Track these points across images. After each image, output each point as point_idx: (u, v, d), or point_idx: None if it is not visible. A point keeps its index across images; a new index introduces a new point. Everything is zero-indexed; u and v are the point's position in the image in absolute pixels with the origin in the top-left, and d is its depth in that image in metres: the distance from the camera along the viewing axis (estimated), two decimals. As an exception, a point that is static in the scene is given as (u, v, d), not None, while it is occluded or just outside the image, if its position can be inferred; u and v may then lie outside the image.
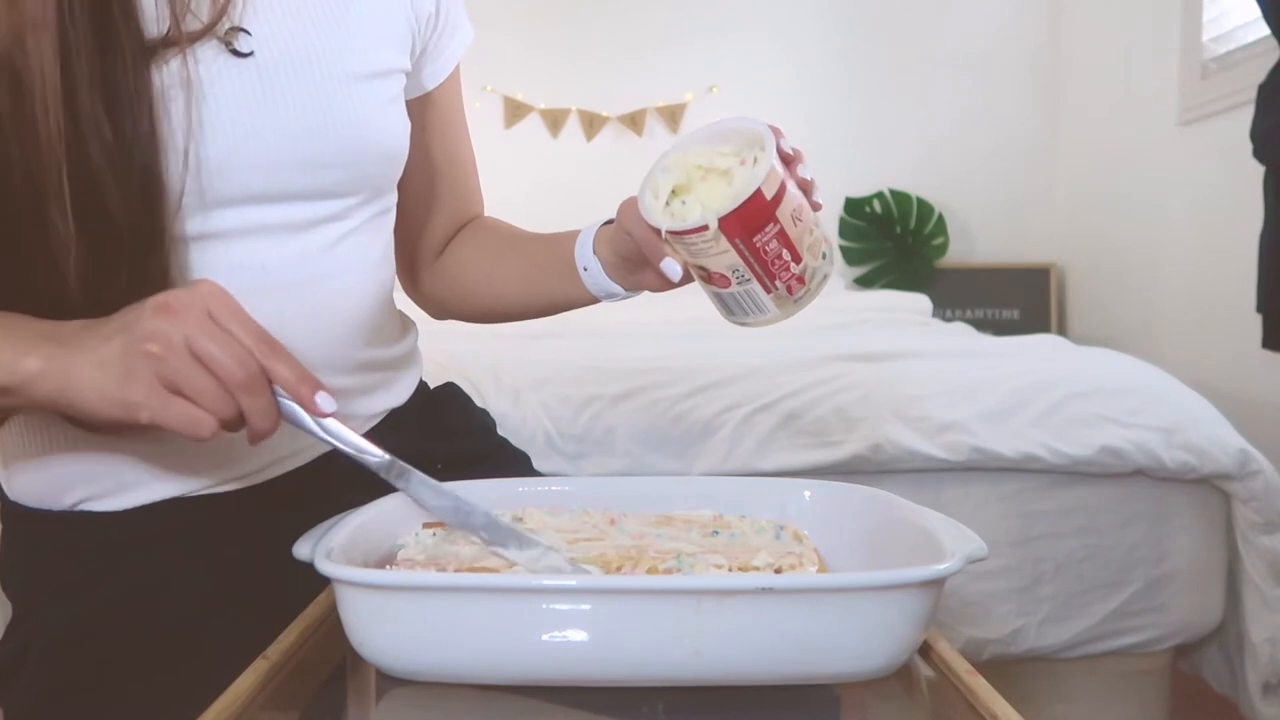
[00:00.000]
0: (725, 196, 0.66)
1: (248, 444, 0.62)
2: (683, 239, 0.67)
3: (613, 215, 0.81)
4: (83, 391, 0.60)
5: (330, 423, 0.62)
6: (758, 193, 0.65)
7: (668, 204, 0.69)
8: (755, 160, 0.68)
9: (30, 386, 0.61)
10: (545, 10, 3.32)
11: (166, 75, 0.67)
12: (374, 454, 0.63)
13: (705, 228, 0.66)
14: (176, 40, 0.67)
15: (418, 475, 0.64)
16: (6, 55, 0.61)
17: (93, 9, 0.63)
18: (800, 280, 0.70)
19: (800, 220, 0.68)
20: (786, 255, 0.68)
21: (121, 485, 0.74)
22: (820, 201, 0.72)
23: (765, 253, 0.67)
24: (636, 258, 0.75)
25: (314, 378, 0.62)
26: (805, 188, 0.71)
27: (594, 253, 0.81)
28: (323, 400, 0.61)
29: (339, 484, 0.77)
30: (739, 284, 0.69)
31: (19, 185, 0.63)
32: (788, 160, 0.69)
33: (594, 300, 0.84)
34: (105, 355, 0.60)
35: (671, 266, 0.70)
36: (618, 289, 0.81)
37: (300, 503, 0.70)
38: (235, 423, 0.60)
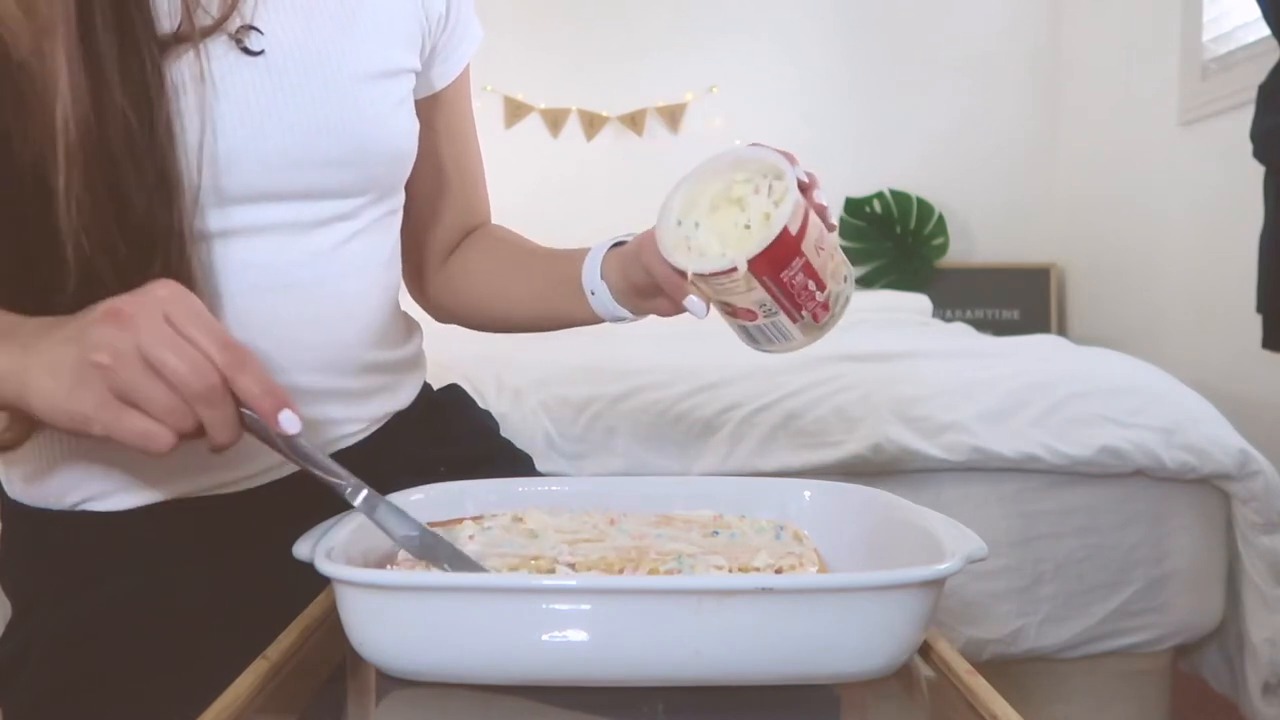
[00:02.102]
0: (748, 236, 0.65)
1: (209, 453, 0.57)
2: (709, 280, 0.66)
3: (618, 232, 0.81)
4: (38, 399, 0.56)
5: (298, 440, 0.58)
6: (784, 230, 0.64)
7: (679, 223, 0.68)
8: (770, 189, 0.66)
9: None
10: (546, 10, 3.32)
11: (179, 71, 0.67)
12: (342, 477, 0.59)
13: (734, 269, 0.65)
14: (188, 36, 0.67)
15: (385, 503, 0.60)
16: (23, 60, 0.61)
17: (111, 3, 0.63)
18: (825, 307, 0.70)
19: (823, 249, 0.68)
20: (812, 285, 0.67)
21: (123, 486, 0.74)
22: (834, 223, 0.71)
23: (792, 286, 0.67)
24: (649, 288, 0.74)
25: (280, 393, 0.57)
26: (821, 213, 0.69)
27: (602, 277, 0.80)
28: (286, 420, 0.56)
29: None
30: (766, 317, 0.69)
31: (29, 184, 0.62)
32: (805, 187, 0.68)
33: (600, 321, 0.83)
34: (56, 362, 0.56)
35: (696, 305, 0.71)
36: (625, 313, 0.80)
37: (301, 504, 0.70)
38: (195, 434, 0.56)
